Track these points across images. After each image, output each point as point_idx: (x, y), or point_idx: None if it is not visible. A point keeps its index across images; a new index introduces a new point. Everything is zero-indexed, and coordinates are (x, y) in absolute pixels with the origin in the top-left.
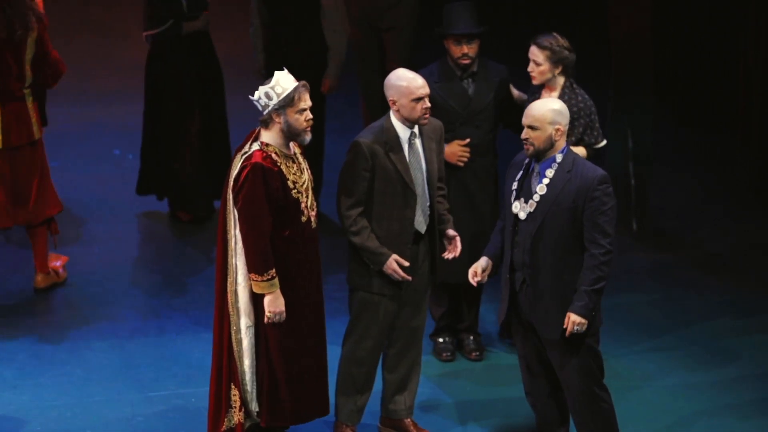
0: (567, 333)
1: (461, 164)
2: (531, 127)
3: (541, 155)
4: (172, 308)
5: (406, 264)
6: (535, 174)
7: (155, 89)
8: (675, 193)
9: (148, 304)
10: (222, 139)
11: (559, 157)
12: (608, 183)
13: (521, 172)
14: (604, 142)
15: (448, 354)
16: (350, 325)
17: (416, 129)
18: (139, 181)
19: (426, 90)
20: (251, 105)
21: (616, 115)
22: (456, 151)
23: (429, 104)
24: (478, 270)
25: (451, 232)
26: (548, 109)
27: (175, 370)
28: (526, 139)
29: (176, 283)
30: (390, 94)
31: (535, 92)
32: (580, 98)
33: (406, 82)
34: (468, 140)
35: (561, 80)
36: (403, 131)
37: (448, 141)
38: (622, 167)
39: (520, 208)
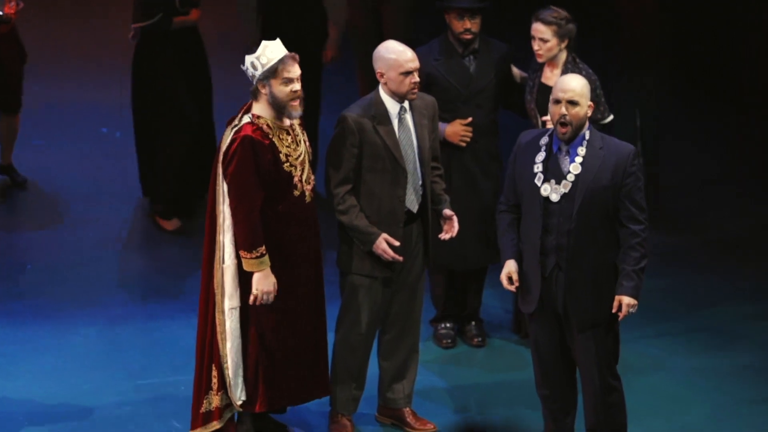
0: (621, 316)
1: (463, 144)
2: (572, 103)
3: (576, 134)
4: (162, 293)
5: (397, 243)
6: (563, 153)
7: (143, 87)
8: (686, 171)
9: (138, 289)
10: (209, 138)
11: (587, 134)
12: (638, 157)
13: (542, 154)
14: (611, 117)
15: (449, 341)
16: (342, 311)
17: (406, 104)
18: (142, 183)
19: (415, 64)
20: (237, 100)
21: (623, 90)
22: (458, 130)
23: (418, 79)
24: (513, 276)
25: (447, 211)
26: (585, 84)
27: (165, 357)
28: (564, 116)
29: (167, 267)
30: (378, 66)
31: (536, 70)
32: (584, 73)
33: (395, 54)
34: (470, 119)
35: (564, 55)
36: (392, 105)
37: (449, 120)
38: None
39: (552, 190)
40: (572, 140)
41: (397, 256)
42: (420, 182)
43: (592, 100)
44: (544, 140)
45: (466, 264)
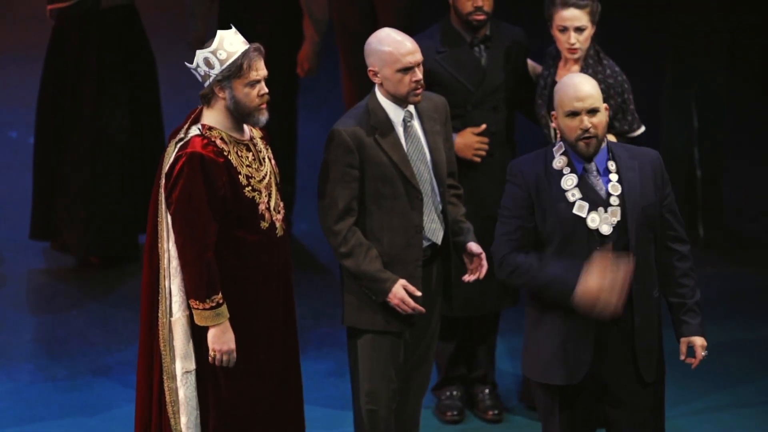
0: (695, 363)
1: (477, 160)
2: (593, 112)
3: (599, 146)
4: (87, 342)
5: (419, 294)
6: (592, 173)
7: (58, 86)
8: (756, 189)
9: (55, 337)
10: (154, 152)
11: (605, 143)
12: None
13: (571, 177)
14: (642, 129)
15: (454, 413)
16: (356, 395)
17: (412, 108)
18: (32, 221)
19: (416, 57)
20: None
21: (677, 86)
22: (471, 142)
23: (420, 75)
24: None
25: (474, 246)
26: (594, 82)
27: (92, 425)
28: (587, 130)
29: (92, 310)
30: (371, 63)
31: (550, 66)
32: (608, 71)
33: (389, 46)
34: (483, 127)
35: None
36: (394, 112)
37: (459, 129)
38: (685, 154)
39: (601, 221)
40: (595, 155)
41: (418, 307)
42: (440, 204)
43: (619, 106)
44: (560, 162)
45: (485, 308)
